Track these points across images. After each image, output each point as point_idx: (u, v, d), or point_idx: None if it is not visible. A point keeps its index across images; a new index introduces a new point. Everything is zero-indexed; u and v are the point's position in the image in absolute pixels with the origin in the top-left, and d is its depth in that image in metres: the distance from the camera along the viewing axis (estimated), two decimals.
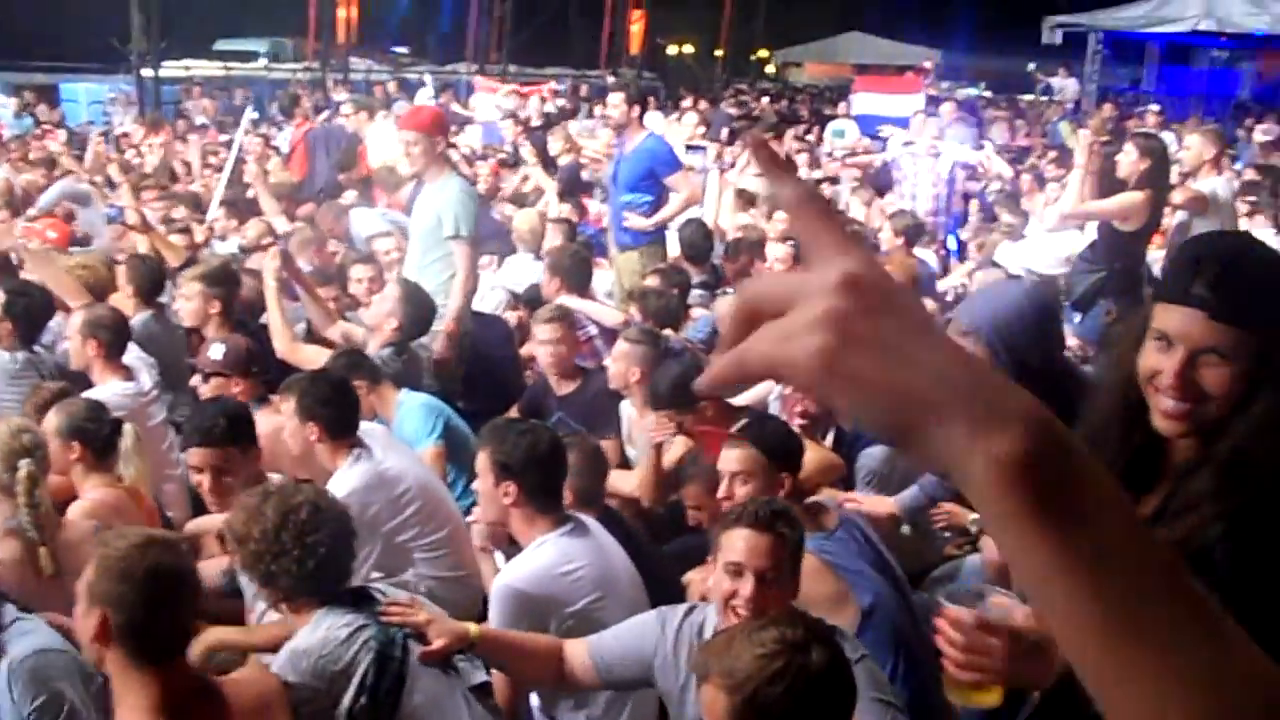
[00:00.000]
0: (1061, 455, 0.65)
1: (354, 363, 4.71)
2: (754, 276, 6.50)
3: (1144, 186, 6.38)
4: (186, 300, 5.51)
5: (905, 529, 4.31)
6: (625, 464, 4.92)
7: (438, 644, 2.83)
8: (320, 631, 2.77)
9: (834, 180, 12.49)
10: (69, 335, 4.95)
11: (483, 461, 3.38)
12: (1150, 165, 6.46)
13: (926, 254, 8.14)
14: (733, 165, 9.78)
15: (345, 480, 3.90)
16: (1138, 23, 22.17)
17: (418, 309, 5.30)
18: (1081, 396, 2.05)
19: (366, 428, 4.18)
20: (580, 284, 6.22)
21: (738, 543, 2.75)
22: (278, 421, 4.14)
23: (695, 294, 6.52)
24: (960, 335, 2.91)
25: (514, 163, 11.37)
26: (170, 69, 20.87)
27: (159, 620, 2.46)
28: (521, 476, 3.28)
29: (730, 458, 3.49)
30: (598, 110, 13.86)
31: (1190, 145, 7.20)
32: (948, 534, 4.13)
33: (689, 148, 10.00)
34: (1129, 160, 6.52)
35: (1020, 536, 0.65)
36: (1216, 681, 0.63)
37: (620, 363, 4.79)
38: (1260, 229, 9.28)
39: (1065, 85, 23.24)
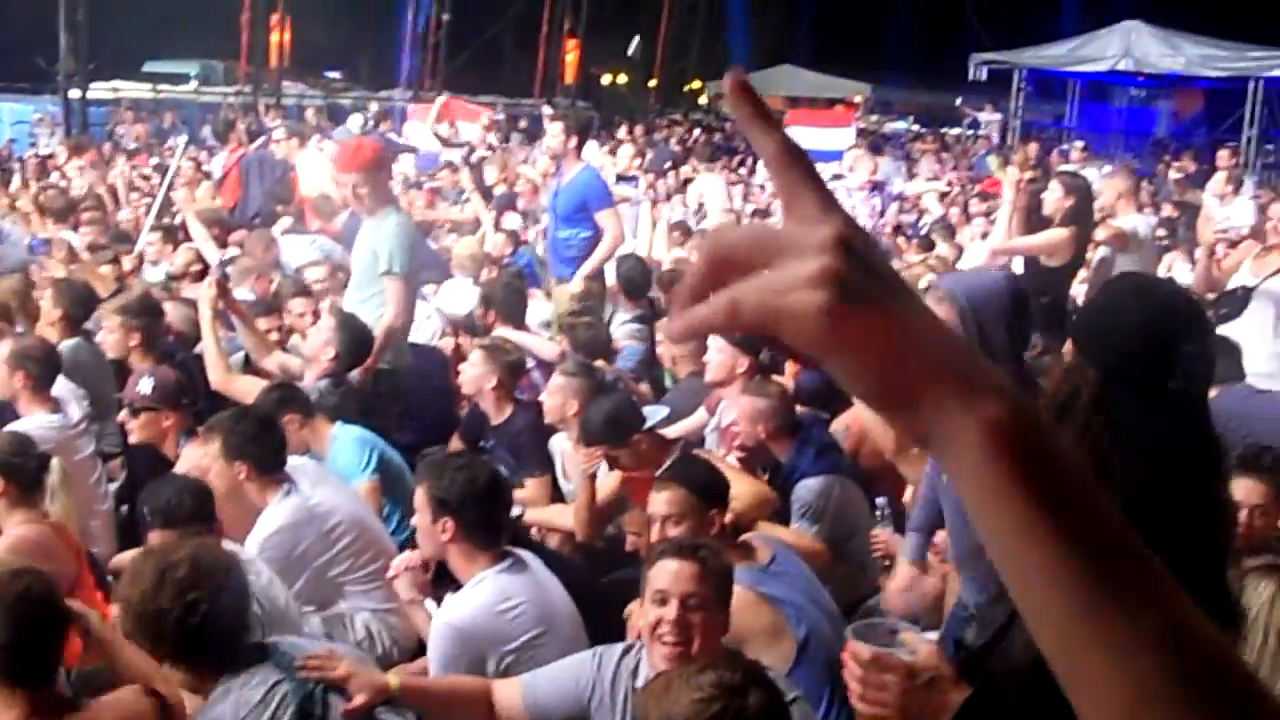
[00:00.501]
0: (1039, 426, 0.67)
1: (285, 397, 4.67)
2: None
3: (1069, 223, 6.56)
4: (108, 333, 5.43)
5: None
6: (558, 499, 4.93)
7: (359, 699, 2.76)
8: (231, 697, 2.68)
9: (765, 214, 12.65)
10: None
11: (420, 497, 3.37)
12: (1075, 202, 6.64)
13: None
14: (667, 198, 9.86)
15: (275, 516, 3.88)
16: (1060, 61, 22.85)
17: (355, 339, 5.27)
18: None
19: (295, 463, 4.16)
20: (515, 314, 6.23)
21: (662, 572, 2.79)
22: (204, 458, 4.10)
23: (631, 327, 6.56)
24: (935, 301, 2.94)
25: (455, 196, 11.37)
26: (98, 90, 20.52)
27: (27, 643, 2.56)
28: (459, 512, 3.27)
29: (660, 500, 3.50)
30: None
31: (1102, 187, 7.47)
32: (886, 563, 4.19)
33: (620, 178, 10.05)
34: (1054, 197, 6.70)
35: (1003, 504, 0.66)
36: (1184, 639, 0.66)
37: (557, 396, 4.80)
38: (1177, 264, 9.59)
39: (991, 120, 23.81)
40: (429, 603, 3.67)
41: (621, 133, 17.87)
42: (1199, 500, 1.95)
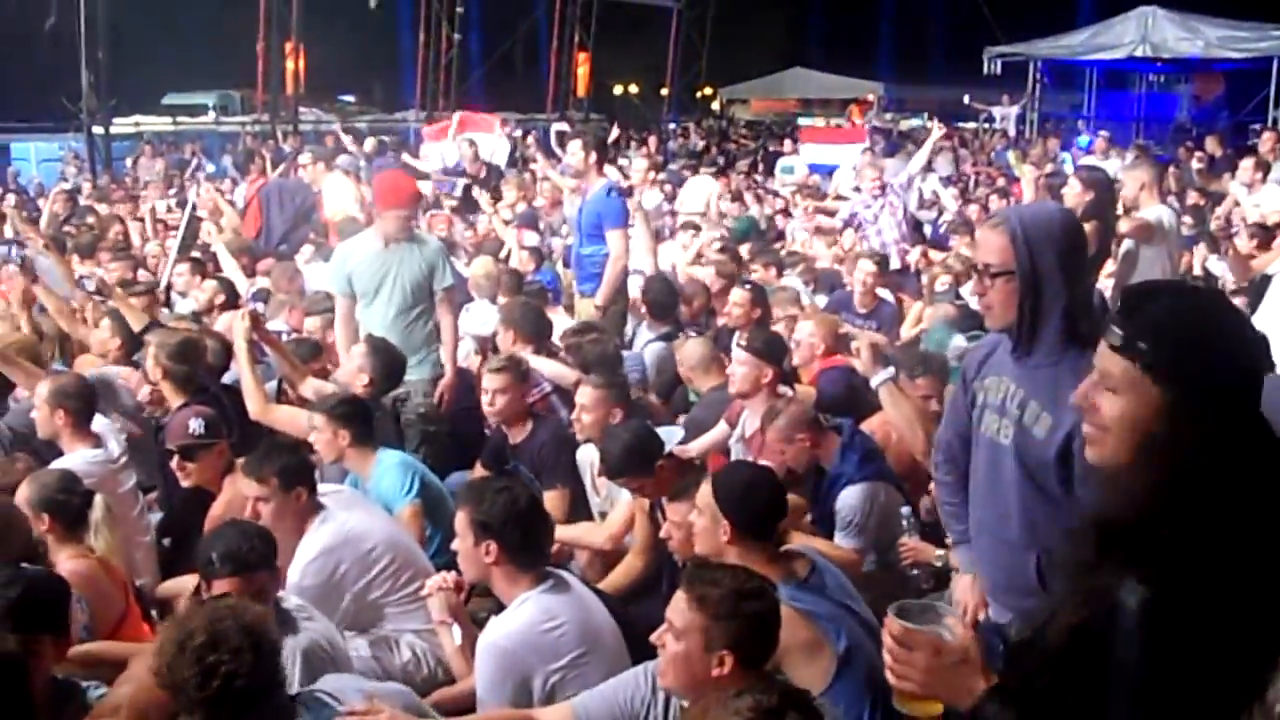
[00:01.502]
0: None
1: (349, 413, 4.72)
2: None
3: (1090, 218, 6.51)
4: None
5: (871, 565, 4.37)
6: (582, 514, 4.93)
7: None
8: None
9: (787, 212, 12.70)
10: (36, 405, 4.93)
11: (461, 521, 3.40)
12: (1095, 196, 6.63)
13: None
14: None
15: (314, 542, 3.94)
16: (1075, 50, 22.73)
17: (388, 363, 5.32)
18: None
19: (324, 489, 4.22)
20: (536, 334, 6.21)
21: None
22: (237, 494, 4.17)
23: (657, 345, 6.63)
24: (992, 228, 2.92)
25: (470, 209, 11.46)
26: (121, 125, 20.82)
27: None
28: (501, 535, 3.30)
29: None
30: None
31: (1124, 179, 7.40)
32: (915, 571, 4.19)
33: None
34: (1074, 193, 6.68)
35: None
36: None
37: (594, 411, 4.78)
38: (1208, 256, 9.53)
39: (1007, 114, 23.72)
40: (455, 630, 3.69)
41: (631, 150, 17.91)
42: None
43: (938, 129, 12.06)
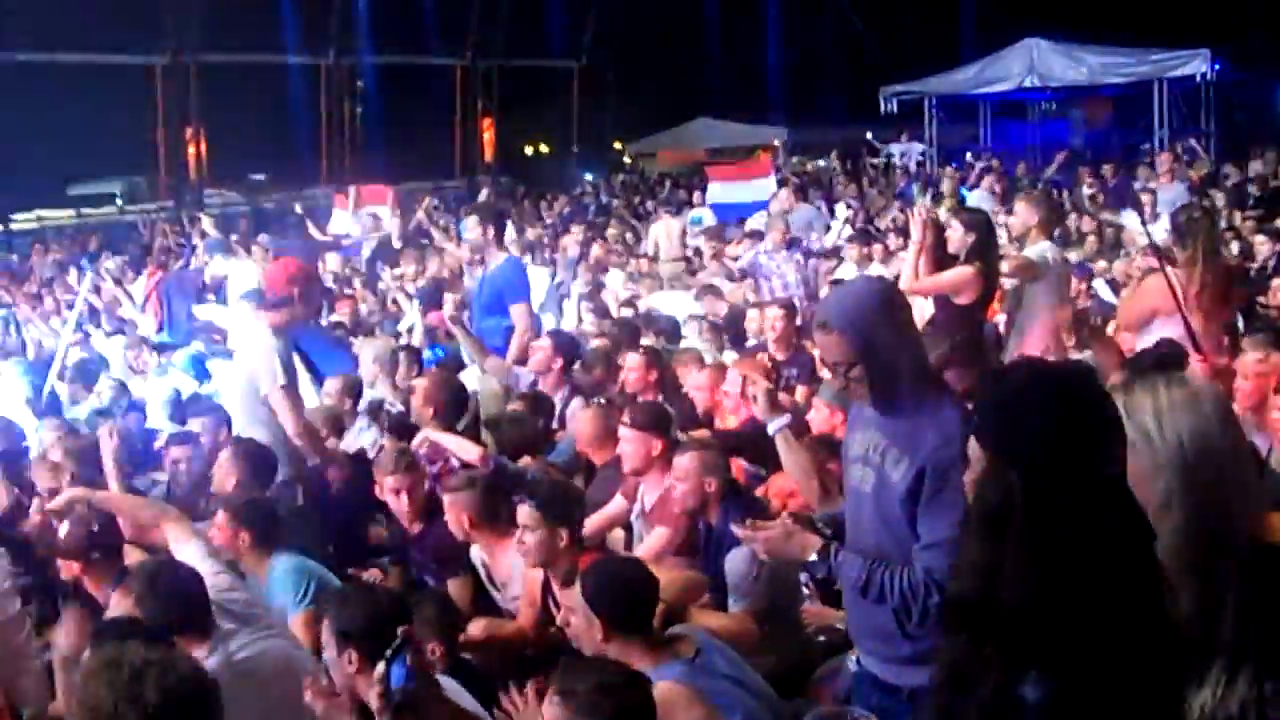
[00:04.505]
0: None
1: (252, 514, 4.65)
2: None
3: (973, 260, 6.65)
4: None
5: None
6: (484, 604, 4.84)
7: None
8: None
9: (697, 256, 12.91)
10: None
11: (325, 630, 3.32)
12: (976, 238, 6.74)
13: None
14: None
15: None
16: (967, 85, 23.39)
17: (258, 462, 5.22)
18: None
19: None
20: (454, 417, 6.13)
21: None
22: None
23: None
24: (817, 329, 3.11)
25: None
26: (22, 221, 20.44)
27: None
28: (361, 643, 3.19)
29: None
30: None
31: (1017, 212, 7.55)
32: (821, 638, 4.19)
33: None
34: (956, 235, 6.80)
35: None
36: None
37: (451, 513, 4.69)
38: (1101, 284, 9.79)
39: (907, 150, 24.25)
40: None
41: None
42: (1147, 580, 1.98)
43: (845, 209, 12.52)
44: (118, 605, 4.28)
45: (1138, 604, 1.93)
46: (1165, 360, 2.86)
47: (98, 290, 10.67)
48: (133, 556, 4.53)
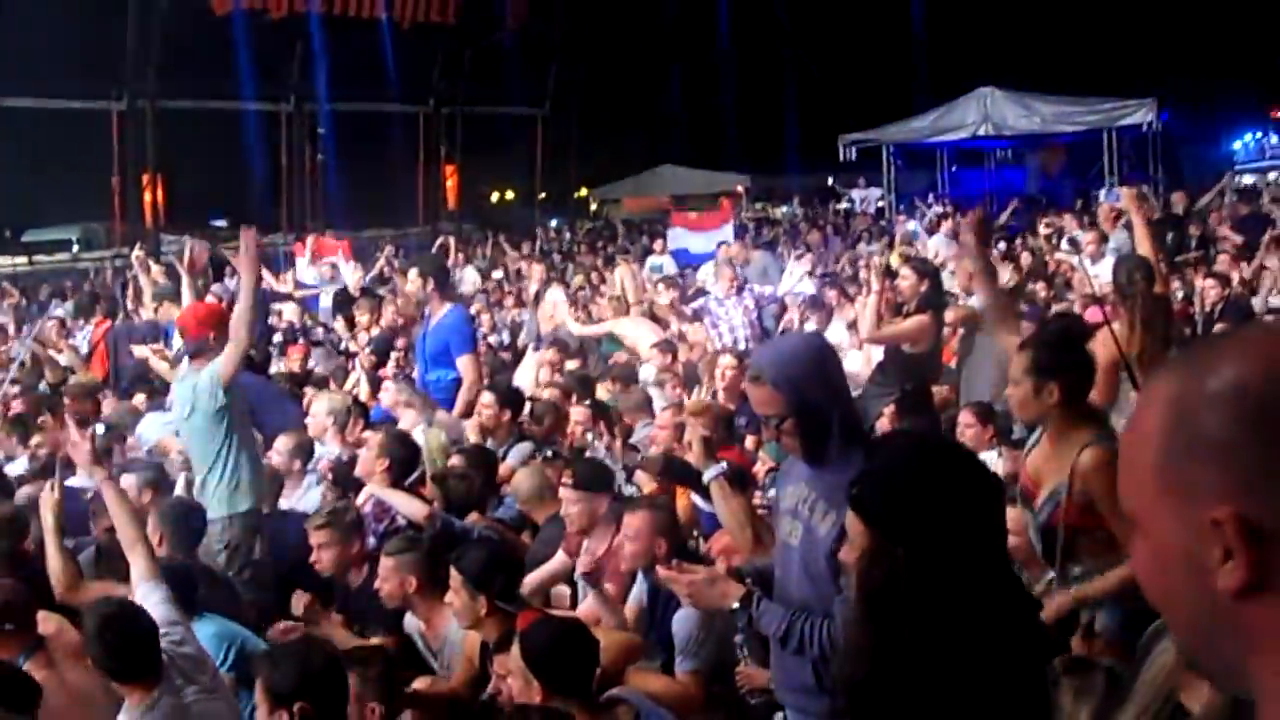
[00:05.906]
0: None
1: (172, 579, 4.46)
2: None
3: (925, 308, 6.67)
4: None
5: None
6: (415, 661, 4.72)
7: None
8: None
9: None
10: None
11: (258, 691, 3.25)
12: (928, 287, 6.77)
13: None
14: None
15: None
16: (923, 133, 23.70)
17: (181, 526, 5.10)
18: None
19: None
20: (406, 472, 6.01)
21: None
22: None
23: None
24: (750, 382, 3.13)
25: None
26: None
27: None
28: (294, 703, 3.13)
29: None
30: None
31: (958, 268, 7.60)
32: (754, 701, 4.10)
33: None
34: (908, 284, 6.82)
35: None
36: None
37: (392, 576, 4.54)
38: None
39: (867, 195, 24.49)
40: None
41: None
42: (1035, 653, 1.96)
43: (802, 265, 12.70)
44: (35, 675, 4.14)
45: (1023, 679, 1.91)
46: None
47: (41, 342, 10.45)
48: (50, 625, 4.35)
